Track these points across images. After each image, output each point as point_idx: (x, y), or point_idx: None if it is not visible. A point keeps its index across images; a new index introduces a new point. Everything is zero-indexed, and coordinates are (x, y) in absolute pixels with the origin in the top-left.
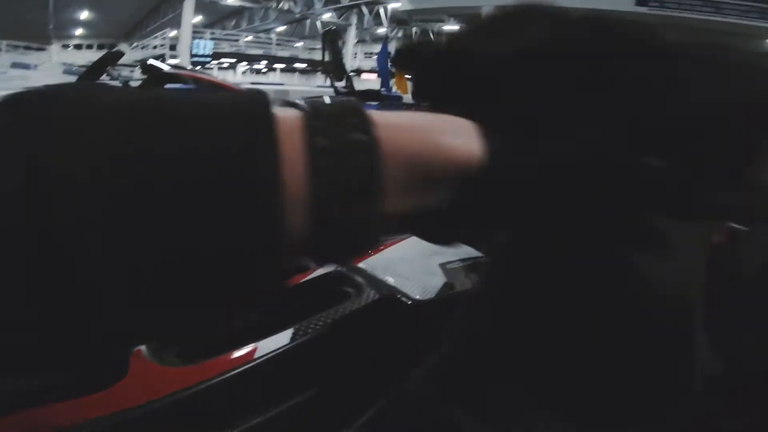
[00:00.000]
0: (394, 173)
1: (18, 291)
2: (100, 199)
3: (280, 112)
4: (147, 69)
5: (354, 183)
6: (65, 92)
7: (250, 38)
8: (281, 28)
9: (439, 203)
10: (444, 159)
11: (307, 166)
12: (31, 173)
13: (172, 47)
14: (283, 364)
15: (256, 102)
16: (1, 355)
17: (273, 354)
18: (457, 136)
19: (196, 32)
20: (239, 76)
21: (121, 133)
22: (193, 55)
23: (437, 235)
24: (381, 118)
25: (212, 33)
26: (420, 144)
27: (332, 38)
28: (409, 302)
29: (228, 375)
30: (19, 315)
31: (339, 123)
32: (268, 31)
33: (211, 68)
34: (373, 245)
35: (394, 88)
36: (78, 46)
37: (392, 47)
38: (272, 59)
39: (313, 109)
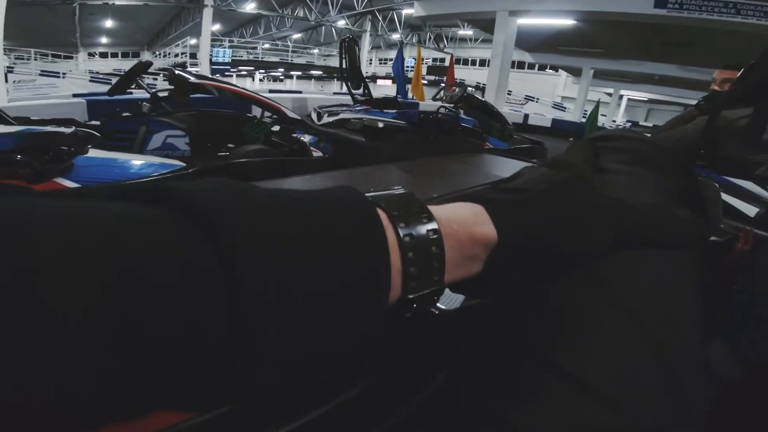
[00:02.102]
0: (450, 254)
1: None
2: (285, 316)
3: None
4: (174, 79)
5: (428, 265)
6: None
7: (267, 46)
8: (297, 36)
9: (476, 271)
10: (476, 241)
11: (401, 256)
12: (235, 295)
13: (193, 55)
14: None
15: (369, 213)
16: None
17: None
18: (481, 224)
19: (215, 40)
20: (257, 84)
21: (298, 268)
22: (212, 63)
23: (475, 292)
24: (435, 212)
25: (230, 41)
26: (463, 232)
27: (350, 47)
28: (437, 312)
29: None
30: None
31: (410, 212)
32: (284, 38)
33: (231, 76)
34: (435, 304)
35: (410, 95)
36: (103, 55)
37: (407, 53)
38: (289, 66)
39: (387, 200)
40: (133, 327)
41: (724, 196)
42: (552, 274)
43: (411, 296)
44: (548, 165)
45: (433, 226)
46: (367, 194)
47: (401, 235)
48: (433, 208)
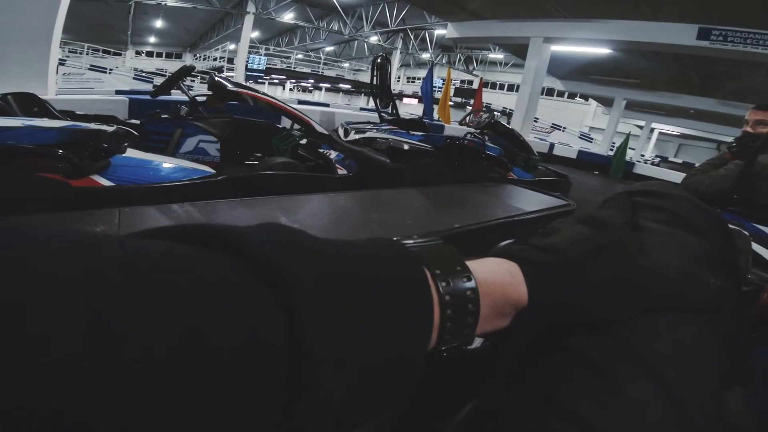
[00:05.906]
0: (483, 311)
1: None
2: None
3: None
4: (213, 85)
5: (463, 322)
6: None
7: (300, 56)
8: (330, 48)
9: (504, 326)
10: (509, 302)
11: (440, 314)
12: (294, 344)
13: (230, 60)
14: None
15: (419, 276)
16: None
17: None
18: (516, 286)
19: (252, 47)
20: (287, 93)
21: (365, 333)
22: (248, 70)
23: (498, 341)
24: (474, 269)
25: (266, 49)
26: (498, 293)
27: (382, 65)
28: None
29: None
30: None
31: (452, 271)
32: (317, 50)
33: (263, 83)
34: (462, 352)
35: (436, 116)
36: (149, 54)
37: (435, 73)
38: (319, 78)
39: (430, 255)
40: (201, 388)
41: (755, 245)
42: (575, 330)
43: (443, 348)
44: (586, 223)
45: (471, 285)
46: (406, 242)
47: (442, 293)
48: (472, 265)
